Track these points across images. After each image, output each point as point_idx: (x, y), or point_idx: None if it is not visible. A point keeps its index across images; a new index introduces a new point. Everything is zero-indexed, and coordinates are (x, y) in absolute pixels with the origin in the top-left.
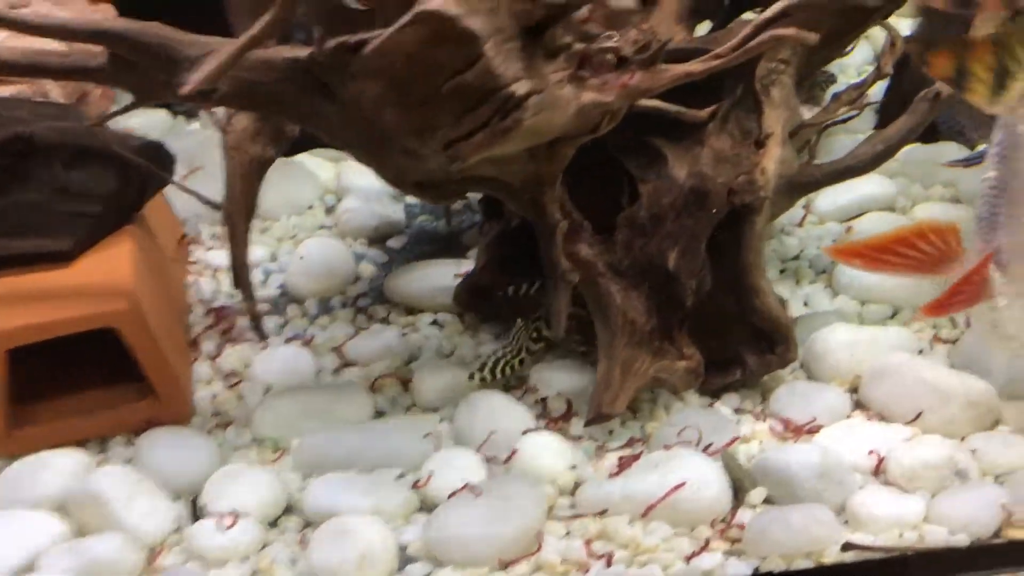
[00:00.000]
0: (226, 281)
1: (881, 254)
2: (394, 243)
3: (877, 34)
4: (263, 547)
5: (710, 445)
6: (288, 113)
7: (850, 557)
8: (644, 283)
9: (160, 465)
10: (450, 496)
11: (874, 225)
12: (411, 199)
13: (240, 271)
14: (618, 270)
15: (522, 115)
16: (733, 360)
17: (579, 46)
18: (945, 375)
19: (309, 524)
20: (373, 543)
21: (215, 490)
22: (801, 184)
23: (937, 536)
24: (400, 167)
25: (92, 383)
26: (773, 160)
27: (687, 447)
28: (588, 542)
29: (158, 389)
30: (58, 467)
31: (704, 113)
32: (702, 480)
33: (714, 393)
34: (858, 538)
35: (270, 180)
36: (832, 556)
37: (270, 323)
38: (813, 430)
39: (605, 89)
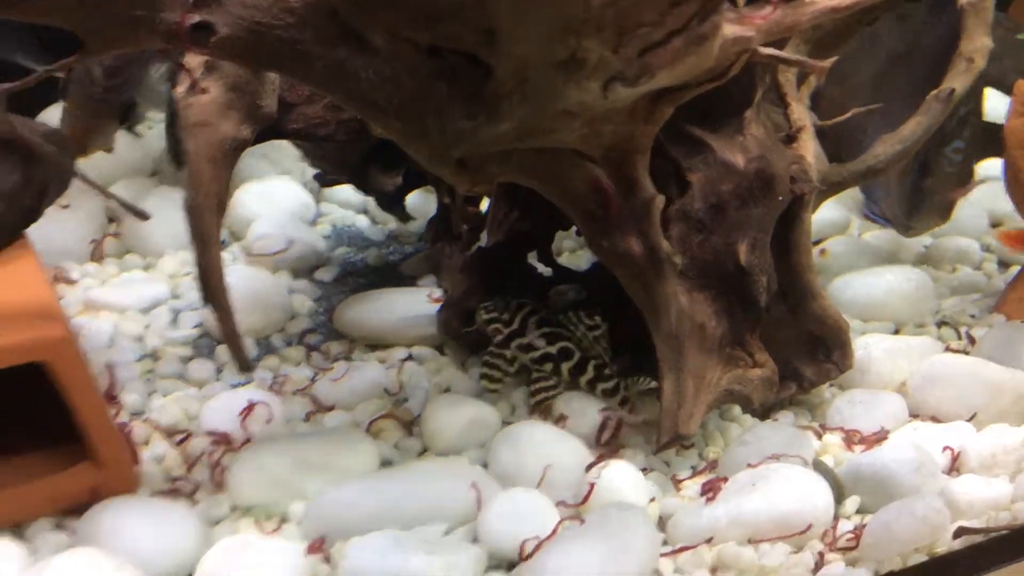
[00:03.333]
0: (122, 323)
1: None
2: (323, 275)
3: None
4: None
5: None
6: (300, 68)
7: (958, 544)
8: (709, 283)
9: (130, 548)
10: (537, 543)
11: (843, 247)
12: (324, 227)
13: (213, 283)
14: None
15: (719, 20)
16: (786, 373)
17: None
18: (997, 371)
19: None
20: None
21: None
22: (832, 183)
23: None
24: (449, 137)
25: None
26: (811, 153)
27: (775, 463)
28: (714, 571)
29: (100, 449)
30: None
31: (827, 63)
32: (810, 493)
33: (764, 414)
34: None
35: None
36: (944, 545)
37: (202, 368)
38: (881, 438)
39: (745, 23)
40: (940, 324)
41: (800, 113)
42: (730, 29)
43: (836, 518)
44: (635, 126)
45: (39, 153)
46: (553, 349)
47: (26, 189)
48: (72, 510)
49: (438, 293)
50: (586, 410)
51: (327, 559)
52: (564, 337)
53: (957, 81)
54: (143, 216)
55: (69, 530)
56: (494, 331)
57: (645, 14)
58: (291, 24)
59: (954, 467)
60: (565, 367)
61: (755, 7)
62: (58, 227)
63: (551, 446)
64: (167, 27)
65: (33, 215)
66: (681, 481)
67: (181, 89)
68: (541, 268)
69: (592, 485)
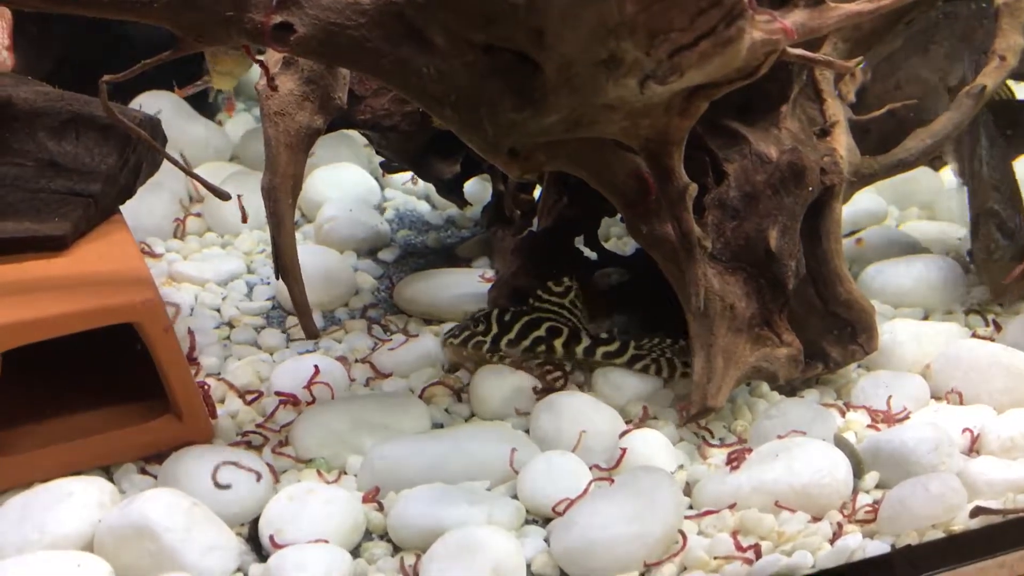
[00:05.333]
0: (202, 294)
1: None
2: (386, 255)
3: None
4: None
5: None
6: (369, 64)
7: (976, 523)
8: (741, 266)
9: (205, 491)
10: (568, 503)
11: (878, 237)
12: (388, 212)
13: (286, 258)
14: (711, 253)
15: (744, 24)
16: (814, 354)
17: None
18: (1021, 357)
19: (400, 549)
20: (505, 556)
21: (278, 518)
22: (863, 175)
23: None
24: (500, 128)
25: (77, 406)
26: (843, 147)
27: (800, 437)
28: (735, 534)
29: (181, 402)
30: (81, 497)
31: (854, 63)
32: (831, 465)
33: (791, 391)
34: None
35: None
36: (960, 524)
37: (273, 336)
38: (903, 418)
39: (773, 27)
40: (968, 312)
41: (835, 108)
42: (758, 32)
43: (855, 491)
44: (671, 120)
45: (135, 137)
46: (541, 331)
47: (122, 170)
48: (155, 456)
49: (490, 274)
50: (622, 386)
51: (380, 507)
52: (547, 319)
53: (989, 78)
54: (224, 196)
55: (152, 474)
56: (478, 344)
57: (674, 19)
58: (362, 24)
59: (973, 448)
60: (558, 344)
61: (784, 11)
62: (145, 206)
63: (588, 414)
64: (253, 26)
65: (128, 194)
66: (708, 450)
67: (262, 82)
68: (588, 252)
69: (624, 450)
